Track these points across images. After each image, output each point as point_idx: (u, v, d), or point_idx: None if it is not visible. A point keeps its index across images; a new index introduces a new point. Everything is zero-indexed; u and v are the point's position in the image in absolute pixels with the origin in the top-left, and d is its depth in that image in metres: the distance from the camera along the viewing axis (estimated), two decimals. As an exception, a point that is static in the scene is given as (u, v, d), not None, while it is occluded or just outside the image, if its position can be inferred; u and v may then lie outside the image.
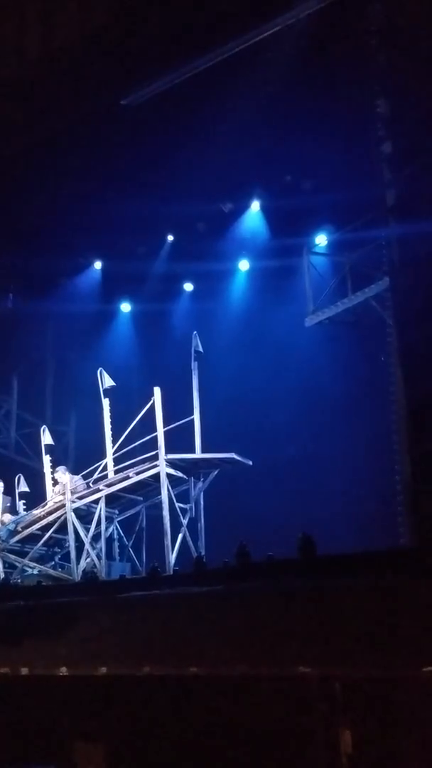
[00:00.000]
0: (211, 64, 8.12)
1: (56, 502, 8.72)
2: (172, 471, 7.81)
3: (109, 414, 8.66)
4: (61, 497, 8.60)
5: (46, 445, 9.65)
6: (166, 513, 7.57)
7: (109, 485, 8.21)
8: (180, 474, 7.94)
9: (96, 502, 8.27)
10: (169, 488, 7.70)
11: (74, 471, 9.43)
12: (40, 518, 8.78)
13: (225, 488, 8.47)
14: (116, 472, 8.28)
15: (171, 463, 7.78)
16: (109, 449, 8.47)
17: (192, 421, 7.98)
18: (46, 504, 9.01)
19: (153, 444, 7.85)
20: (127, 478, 8.04)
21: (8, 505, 9.68)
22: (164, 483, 7.66)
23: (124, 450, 8.30)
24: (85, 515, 8.45)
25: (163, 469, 7.69)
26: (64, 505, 8.44)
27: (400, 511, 7.43)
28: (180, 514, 7.78)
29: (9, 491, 9.71)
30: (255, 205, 11.12)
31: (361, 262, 9.98)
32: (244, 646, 4.68)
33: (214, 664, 4.78)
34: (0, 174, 9.50)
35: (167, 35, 8.10)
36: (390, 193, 6.62)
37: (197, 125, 8.91)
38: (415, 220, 6.27)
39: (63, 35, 8.57)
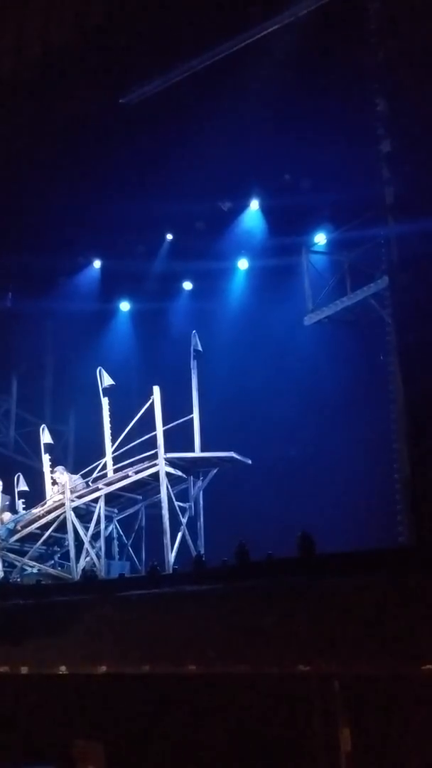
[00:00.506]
0: (209, 63, 8.12)
1: (55, 501, 8.73)
2: (171, 470, 7.81)
3: (109, 413, 8.66)
4: (61, 496, 8.60)
5: (45, 444, 9.65)
6: (165, 512, 7.57)
7: (108, 484, 8.21)
8: (179, 473, 7.94)
9: (95, 501, 8.27)
10: (169, 487, 7.70)
11: (74, 470, 9.43)
12: (40, 517, 8.78)
13: (224, 487, 8.48)
14: (115, 471, 8.28)
15: (170, 462, 7.78)
16: (109, 448, 8.47)
17: (191, 419, 7.98)
18: (45, 503, 9.01)
19: (152, 443, 7.85)
20: (127, 477, 8.04)
21: (7, 503, 9.68)
22: (163, 482, 7.66)
23: (124, 449, 8.30)
24: (84, 514, 8.45)
25: (162, 468, 7.69)
26: (63, 504, 8.44)
27: (400, 509, 7.43)
28: (179, 512, 7.78)
29: (8, 490, 9.72)
30: (254, 204, 11.12)
31: (360, 260, 9.98)
32: (244, 644, 4.68)
33: (214, 663, 4.78)
34: (-1, 172, 9.50)
35: (166, 33, 8.10)
36: (389, 191, 6.60)
37: (196, 124, 8.91)
38: (414, 219, 6.26)
39: (61, 34, 8.57)
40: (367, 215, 8.92)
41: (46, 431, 9.79)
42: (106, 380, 8.67)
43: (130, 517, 8.78)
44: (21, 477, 9.71)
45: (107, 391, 8.69)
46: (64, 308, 12.36)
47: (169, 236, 11.85)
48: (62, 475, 9.08)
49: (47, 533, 8.65)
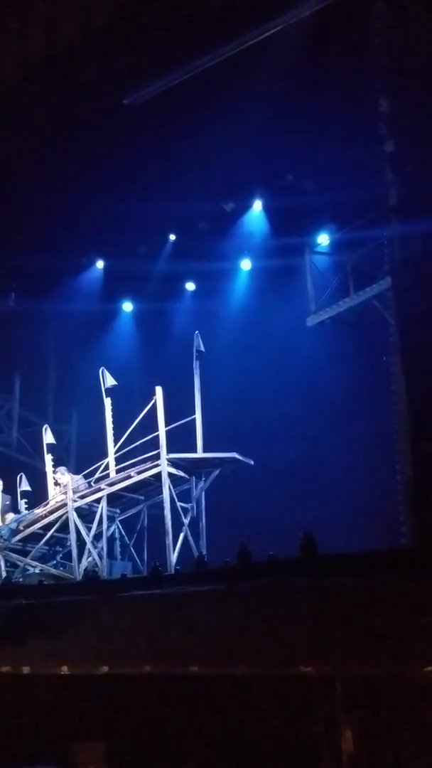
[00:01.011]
0: (213, 64, 8.12)
1: (58, 501, 8.73)
2: (173, 470, 7.81)
3: (111, 413, 8.66)
4: (63, 496, 8.60)
5: (47, 444, 9.65)
6: (167, 512, 7.57)
7: (110, 484, 8.21)
8: (181, 473, 7.94)
9: (97, 501, 8.27)
10: (171, 487, 7.70)
11: (76, 470, 9.44)
12: (42, 517, 8.78)
13: (226, 488, 8.47)
14: (118, 471, 8.28)
15: (172, 463, 7.78)
16: (111, 448, 8.48)
17: (193, 420, 7.98)
18: (47, 503, 9.01)
19: (154, 443, 7.85)
20: (129, 477, 8.04)
21: (8, 503, 9.68)
22: (166, 482, 7.66)
23: (126, 449, 8.30)
24: (86, 514, 8.45)
25: (164, 468, 7.69)
26: (65, 504, 8.44)
27: (402, 510, 7.42)
28: (181, 513, 7.78)
29: (11, 490, 9.72)
30: (257, 205, 11.11)
31: (362, 261, 9.98)
32: (246, 645, 4.68)
33: (216, 664, 4.78)
34: (1, 172, 9.50)
35: (169, 34, 8.10)
36: (392, 192, 6.60)
37: (199, 124, 8.91)
38: (417, 220, 6.26)
39: (65, 35, 8.57)
40: (370, 216, 8.93)
41: (49, 431, 9.79)
42: (109, 380, 8.67)
43: (132, 517, 8.78)
44: (24, 477, 9.72)
45: (110, 392, 8.69)
46: (66, 308, 12.37)
47: (172, 236, 11.85)
48: (64, 475, 9.08)
49: (49, 533, 8.65)
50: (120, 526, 8.75)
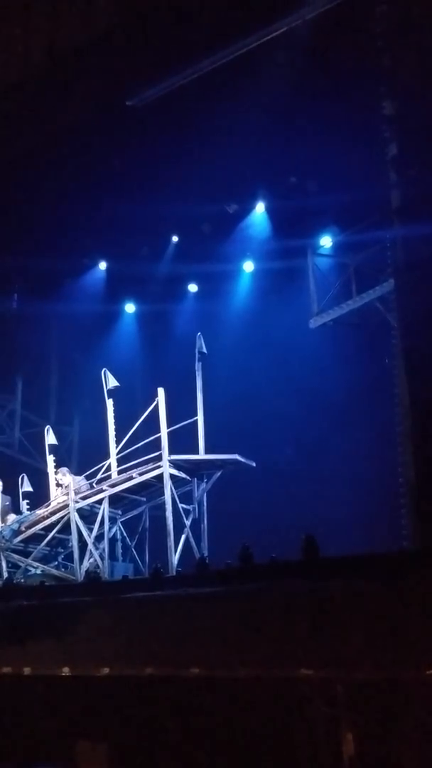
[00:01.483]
0: (216, 66, 8.12)
1: (60, 503, 8.73)
2: (175, 472, 7.80)
3: (113, 414, 8.67)
4: (65, 497, 8.60)
5: (49, 445, 9.65)
6: (169, 514, 7.57)
7: (112, 486, 8.21)
8: (183, 475, 7.94)
9: (99, 502, 8.27)
10: (173, 489, 7.70)
11: (78, 471, 9.43)
12: (44, 518, 8.78)
13: (228, 489, 8.47)
14: (120, 472, 8.28)
15: (174, 464, 7.78)
16: (113, 450, 8.48)
17: (195, 422, 7.98)
18: (49, 504, 9.01)
19: (156, 445, 7.85)
20: (131, 478, 8.04)
21: (8, 504, 9.68)
22: (167, 484, 7.65)
23: (128, 450, 8.30)
24: (88, 515, 8.45)
25: (166, 469, 7.69)
26: (67, 506, 8.44)
27: (404, 513, 7.41)
28: (183, 515, 7.78)
29: (13, 491, 9.72)
30: (260, 207, 11.11)
31: (365, 263, 9.98)
32: (247, 647, 4.68)
33: (216, 666, 4.78)
34: (6, 174, 9.52)
35: (172, 36, 8.11)
36: (395, 194, 6.61)
37: (202, 126, 8.91)
38: (420, 222, 6.26)
39: (68, 36, 8.59)
40: (373, 218, 8.93)
41: (51, 432, 9.79)
42: (111, 382, 8.67)
43: (133, 518, 8.78)
44: (25, 478, 9.72)
45: (112, 393, 8.69)
46: (69, 310, 12.37)
47: (175, 238, 11.85)
48: (65, 476, 9.08)
49: (51, 534, 8.65)
50: (122, 528, 8.75)
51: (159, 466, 7.75)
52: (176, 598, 5.38)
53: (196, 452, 7.93)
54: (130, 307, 13.08)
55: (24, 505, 9.50)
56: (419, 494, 5.94)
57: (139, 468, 7.97)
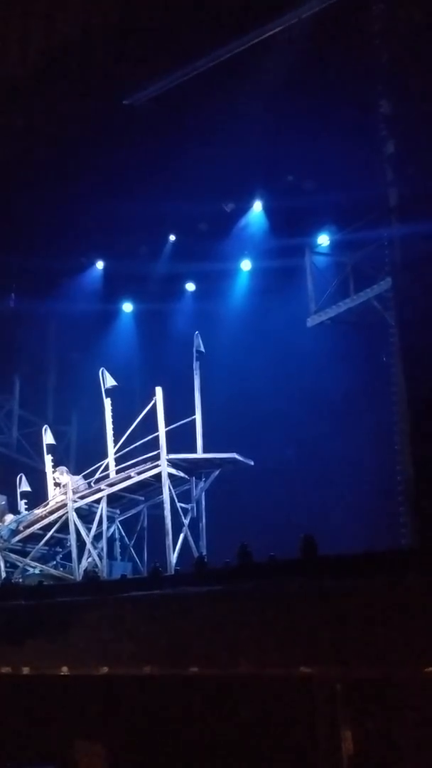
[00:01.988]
0: (213, 64, 8.12)
1: (58, 502, 8.72)
2: (173, 471, 7.80)
3: (111, 414, 8.66)
4: (63, 497, 8.60)
5: (47, 445, 9.65)
6: (167, 513, 7.56)
7: (110, 485, 8.20)
8: (181, 474, 7.94)
9: (97, 501, 8.27)
10: (171, 488, 7.69)
11: (76, 470, 9.43)
12: (42, 518, 8.77)
13: (226, 488, 8.47)
14: (118, 471, 8.28)
15: (172, 463, 7.78)
16: (111, 449, 8.48)
17: (193, 421, 7.98)
18: (47, 503, 9.01)
19: (154, 444, 7.85)
20: (129, 477, 8.04)
21: (3, 503, 9.68)
22: (166, 483, 7.65)
23: (126, 450, 8.30)
24: (86, 515, 8.45)
25: (164, 468, 7.69)
26: (65, 505, 8.44)
27: (402, 511, 7.42)
28: (181, 514, 7.77)
29: (10, 491, 9.71)
30: (257, 205, 11.11)
31: (363, 262, 9.98)
32: (245, 646, 4.68)
33: (215, 665, 4.77)
34: (2, 173, 9.50)
35: (170, 34, 8.10)
36: (392, 192, 6.60)
37: (199, 125, 8.91)
38: (417, 220, 6.26)
39: (65, 34, 8.57)
40: (371, 217, 8.92)
41: (49, 432, 9.79)
42: (109, 381, 8.67)
43: (132, 518, 8.77)
44: (23, 477, 9.71)
45: (110, 392, 8.69)
46: (66, 309, 12.36)
47: (172, 237, 11.85)
48: (63, 475, 9.08)
49: (49, 534, 8.64)
50: (120, 527, 8.74)
51: (157, 465, 7.75)
52: (175, 596, 5.37)
53: (194, 451, 7.93)
54: (127, 306, 13.07)
55: (22, 504, 9.50)
56: (417, 492, 5.94)
57: (138, 467, 7.97)
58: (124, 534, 8.76)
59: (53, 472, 9.34)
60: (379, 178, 6.72)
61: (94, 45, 8.44)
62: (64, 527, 8.53)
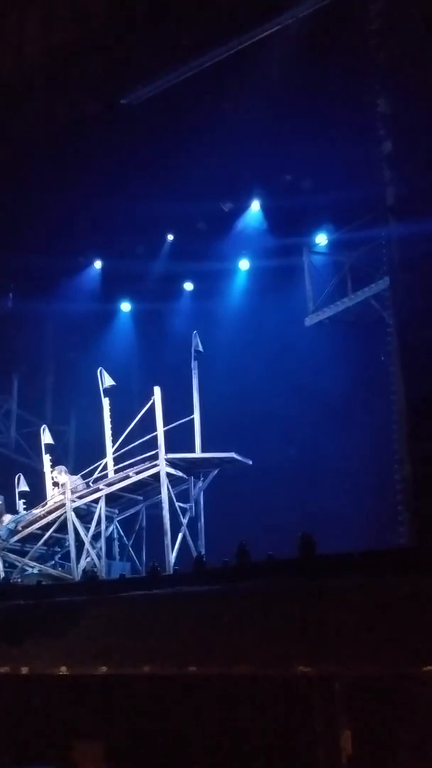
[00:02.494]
0: (210, 63, 8.12)
1: (56, 502, 8.72)
2: (172, 470, 7.80)
3: (109, 413, 8.66)
4: (61, 497, 8.60)
5: (46, 445, 9.65)
6: (166, 512, 7.56)
7: (109, 484, 8.20)
8: (180, 473, 7.93)
9: (96, 501, 8.27)
10: (169, 488, 7.69)
11: (74, 470, 9.43)
12: (40, 517, 8.77)
13: (225, 488, 8.47)
14: (116, 471, 8.28)
15: (171, 463, 7.77)
16: (109, 448, 8.47)
17: (192, 420, 7.97)
18: (46, 503, 9.01)
19: (153, 443, 7.84)
20: (127, 477, 8.04)
21: (1, 503, 9.67)
22: (164, 482, 7.65)
23: (124, 449, 8.30)
24: (85, 514, 8.44)
25: (163, 468, 7.69)
26: (64, 505, 8.44)
27: (401, 510, 7.42)
28: (180, 513, 7.77)
29: (9, 491, 9.71)
30: (255, 205, 11.12)
31: (361, 261, 10.00)
32: (244, 645, 4.68)
33: (214, 664, 4.77)
34: (0, 173, 9.49)
35: (167, 34, 8.10)
36: (390, 192, 6.60)
37: (197, 124, 8.92)
38: (415, 220, 6.26)
39: (62, 34, 8.57)
40: (368, 216, 8.94)
41: (47, 431, 9.79)
42: (107, 381, 8.67)
43: (130, 517, 8.77)
44: (22, 477, 9.71)
45: (108, 392, 8.68)
46: (65, 309, 12.37)
47: (170, 237, 11.86)
48: (62, 475, 9.08)
49: (48, 534, 8.64)
50: (118, 526, 8.74)
51: (155, 465, 7.74)
52: (173, 596, 5.37)
53: (193, 451, 7.93)
54: (125, 306, 13.08)
55: (21, 504, 9.49)
56: (416, 491, 5.94)
57: (136, 467, 7.97)
58: (122, 533, 8.76)
59: (52, 472, 9.34)
60: (376, 178, 6.72)
61: (91, 45, 8.44)
62: (63, 527, 8.53)
